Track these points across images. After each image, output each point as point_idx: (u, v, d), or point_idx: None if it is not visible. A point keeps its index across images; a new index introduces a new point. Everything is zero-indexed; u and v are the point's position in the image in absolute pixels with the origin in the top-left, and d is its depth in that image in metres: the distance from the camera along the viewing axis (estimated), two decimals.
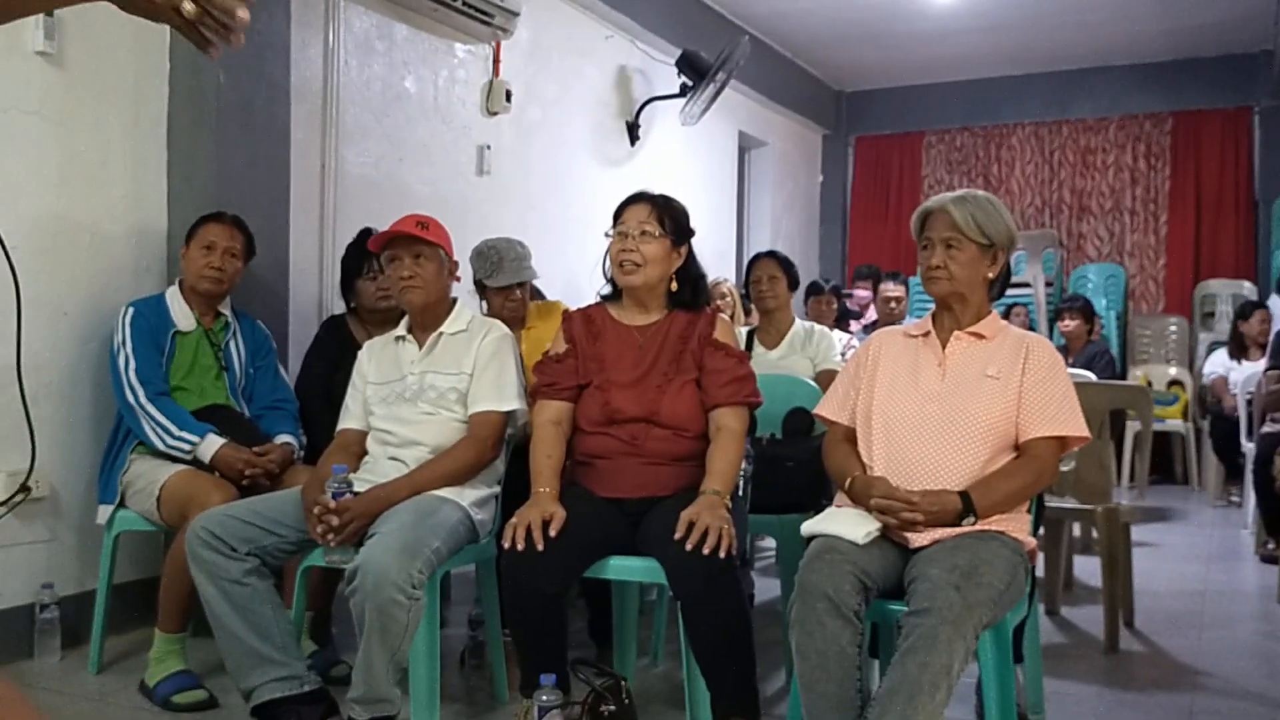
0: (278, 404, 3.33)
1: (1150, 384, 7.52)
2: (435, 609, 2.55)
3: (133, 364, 3.08)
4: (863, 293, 7.38)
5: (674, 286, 2.74)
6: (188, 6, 1.31)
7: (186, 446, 3.01)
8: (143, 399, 3.04)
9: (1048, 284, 7.84)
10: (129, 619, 3.36)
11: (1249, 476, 5.32)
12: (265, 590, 2.63)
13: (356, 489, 2.62)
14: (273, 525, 2.65)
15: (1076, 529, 4.78)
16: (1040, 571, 3.36)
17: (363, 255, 3.47)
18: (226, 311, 3.32)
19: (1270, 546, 4.85)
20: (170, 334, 3.18)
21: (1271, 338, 5.12)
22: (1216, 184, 8.39)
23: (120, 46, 3.49)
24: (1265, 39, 7.47)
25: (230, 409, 3.22)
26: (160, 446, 3.03)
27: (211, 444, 3.02)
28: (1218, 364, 6.69)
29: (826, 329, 4.29)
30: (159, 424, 3.03)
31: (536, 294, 3.97)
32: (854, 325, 6.90)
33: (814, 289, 5.82)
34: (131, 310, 3.16)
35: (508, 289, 3.52)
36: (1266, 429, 4.88)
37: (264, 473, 3.05)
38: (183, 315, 3.22)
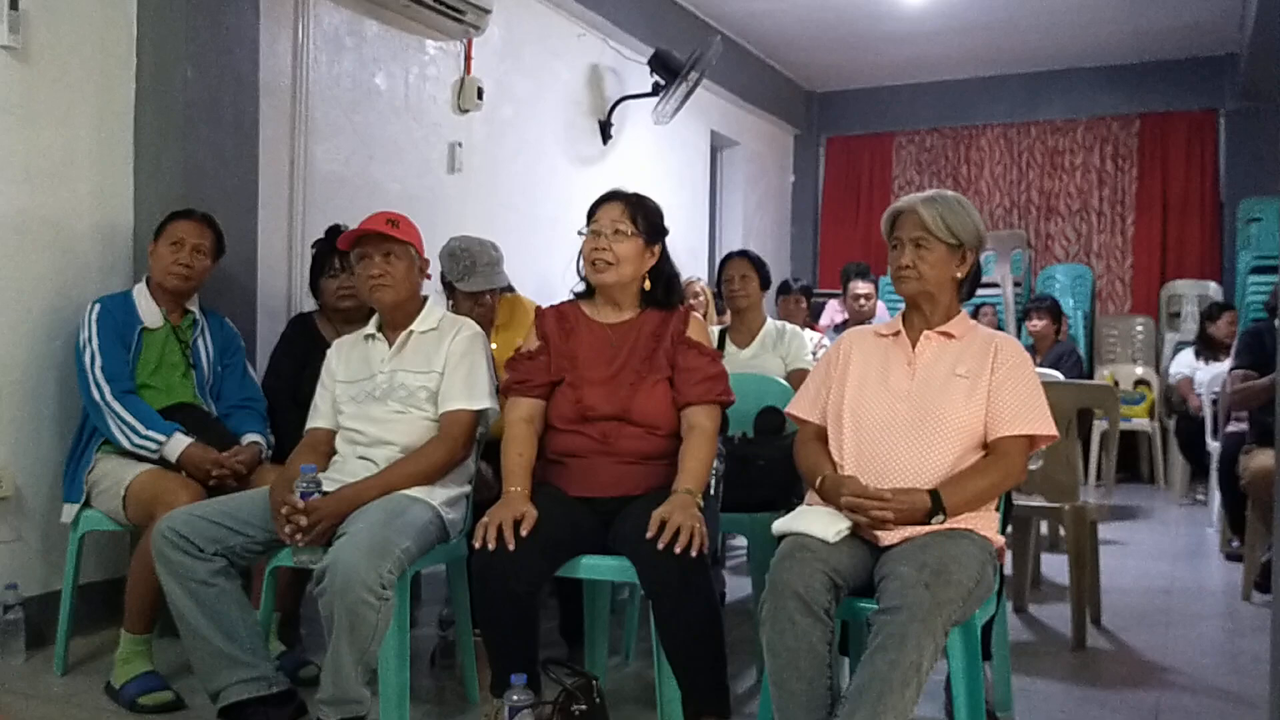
0: (246, 403, 3.30)
1: (1117, 383, 7.60)
2: (405, 609, 2.54)
3: (99, 361, 3.04)
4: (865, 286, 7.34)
5: (647, 285, 2.74)
6: None
7: (153, 445, 2.98)
8: (109, 397, 3.01)
9: (1016, 284, 7.91)
10: (95, 620, 3.32)
11: (1214, 475, 5.39)
12: (232, 591, 2.61)
13: (325, 489, 2.61)
14: (240, 525, 2.62)
15: (1044, 527, 4.82)
16: (1008, 569, 3.39)
17: (327, 253, 3.45)
18: (194, 309, 3.29)
19: (1235, 544, 4.90)
20: (137, 331, 3.14)
21: (1237, 338, 5.18)
22: (1183, 186, 8.48)
23: (87, 41, 3.45)
24: (1231, 43, 7.56)
25: (197, 407, 3.19)
26: (126, 445, 2.99)
27: (178, 443, 2.99)
28: (1184, 364, 6.76)
29: (798, 328, 4.31)
30: (125, 422, 2.99)
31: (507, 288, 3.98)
32: (824, 319, 6.92)
33: (783, 288, 5.83)
34: (98, 307, 3.12)
35: (478, 294, 3.48)
36: (1231, 428, 4.93)
37: (231, 473, 3.02)
38: (150, 312, 3.18)
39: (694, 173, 7.64)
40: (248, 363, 3.42)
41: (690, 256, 7.27)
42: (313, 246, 3.61)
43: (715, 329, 4.23)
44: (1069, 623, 3.58)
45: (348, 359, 2.91)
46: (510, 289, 3.92)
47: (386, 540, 2.44)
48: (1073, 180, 8.81)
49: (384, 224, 2.79)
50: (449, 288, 3.55)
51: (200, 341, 3.27)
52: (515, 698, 2.34)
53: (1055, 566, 4.47)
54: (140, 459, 3.00)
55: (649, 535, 2.34)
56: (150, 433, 2.99)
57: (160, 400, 3.12)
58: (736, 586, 4.11)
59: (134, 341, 3.13)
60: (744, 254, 4.34)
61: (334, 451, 2.84)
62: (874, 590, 2.19)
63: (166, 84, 3.57)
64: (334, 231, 3.51)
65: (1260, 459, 4.01)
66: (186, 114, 3.58)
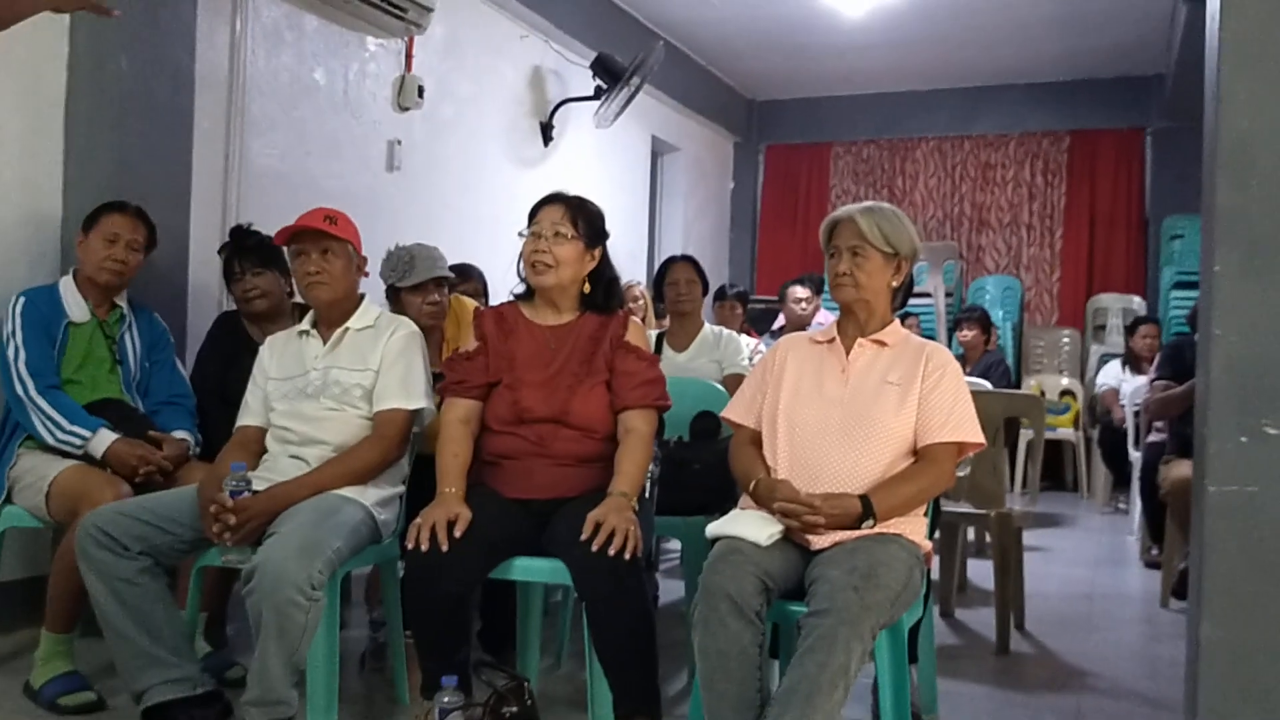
0: (174, 399, 3.24)
1: (1043, 393, 7.74)
2: (335, 610, 2.51)
3: (22, 355, 2.97)
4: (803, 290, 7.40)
5: (587, 288, 2.74)
6: None
7: (78, 441, 2.92)
8: (32, 391, 2.94)
9: (947, 295, 8.04)
10: (14, 619, 3.25)
11: (1135, 484, 5.52)
12: (158, 590, 2.57)
13: (255, 487, 2.57)
14: (167, 523, 2.58)
15: (971, 533, 4.90)
16: (935, 574, 3.45)
17: (231, 256, 3.42)
18: (123, 303, 3.23)
19: (1154, 552, 5.03)
20: (63, 325, 3.07)
21: (1160, 350, 5.32)
22: (1109, 202, 8.70)
23: (17, 28, 3.36)
24: (1159, 63, 7.77)
25: (124, 403, 3.13)
26: (50, 441, 2.93)
27: (104, 439, 2.93)
28: (1109, 376, 6.92)
29: (734, 333, 4.34)
30: (49, 417, 2.93)
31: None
32: (777, 325, 6.97)
33: (719, 294, 5.87)
34: (23, 300, 3.05)
35: (423, 287, 3.36)
36: (1152, 438, 5.06)
37: (158, 469, 2.97)
38: (76, 306, 3.12)
39: (634, 177, 7.66)
40: (177, 359, 3.37)
41: (630, 260, 7.28)
42: (220, 251, 3.56)
43: (652, 333, 4.24)
44: (993, 627, 3.65)
45: (281, 355, 2.87)
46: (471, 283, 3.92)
47: (317, 540, 2.41)
48: (1004, 194, 8.99)
49: (321, 220, 2.77)
50: (394, 295, 3.43)
51: (128, 337, 3.21)
52: (446, 699, 2.33)
53: (981, 572, 4.55)
54: (65, 455, 2.93)
55: (583, 537, 2.34)
56: (75, 428, 2.93)
57: (85, 396, 3.05)
58: (669, 589, 4.13)
59: (59, 336, 3.06)
60: (687, 259, 4.36)
61: (264, 450, 2.81)
62: (805, 593, 2.22)
63: (100, 74, 3.50)
64: (236, 233, 3.48)
65: (1179, 469, 4.12)
66: (119, 105, 3.52)
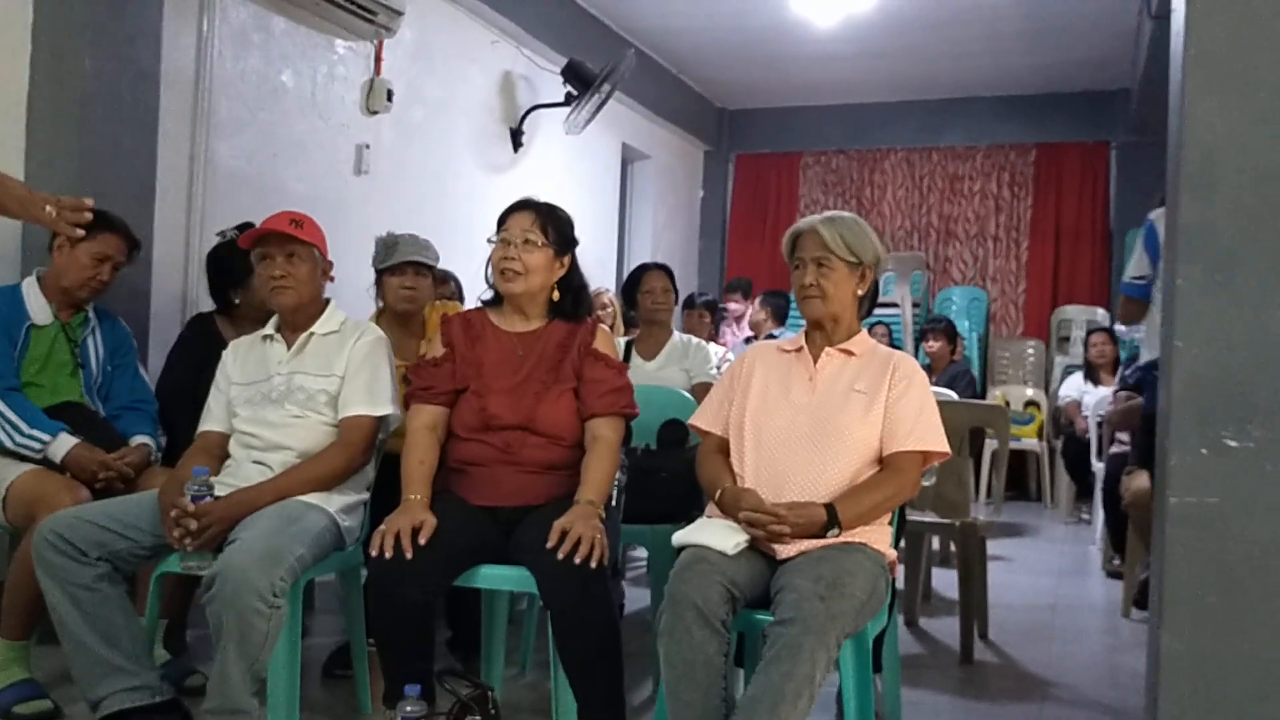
0: (136, 404, 3.20)
1: (1008, 404, 7.80)
2: (297, 618, 2.49)
3: None
4: (735, 305, 7.56)
5: (556, 296, 2.74)
6: (49, 210, 2.02)
7: (37, 445, 2.88)
8: None
9: (915, 305, 8.09)
10: None
11: (1098, 495, 5.57)
12: (116, 597, 2.53)
13: (217, 493, 2.54)
14: (126, 529, 2.55)
15: (936, 542, 4.93)
16: (900, 583, 3.46)
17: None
18: (87, 307, 3.19)
19: (1116, 562, 5.07)
20: (24, 327, 3.02)
21: (1123, 363, 5.37)
22: (1075, 214, 8.78)
23: None
24: (1124, 78, 7.86)
25: (84, 407, 3.09)
26: (8, 444, 2.88)
27: (63, 443, 2.89)
28: (1072, 388, 6.98)
29: (703, 342, 4.35)
30: (8, 420, 2.88)
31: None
32: (730, 337, 7.02)
33: (688, 303, 5.88)
34: None
35: (400, 270, 3.33)
36: (1115, 449, 5.11)
37: (119, 475, 2.93)
38: (39, 309, 3.07)
39: (604, 184, 7.66)
40: (140, 364, 3.32)
41: (599, 267, 7.28)
42: (222, 247, 3.49)
43: (621, 341, 4.24)
44: (958, 636, 3.66)
45: (244, 360, 2.84)
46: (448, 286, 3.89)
47: (280, 547, 2.39)
48: (971, 205, 9.06)
49: (287, 224, 2.74)
50: (379, 280, 3.41)
51: (90, 340, 3.16)
52: (409, 709, 2.30)
53: (945, 581, 4.58)
54: (23, 459, 2.89)
55: (549, 545, 2.34)
56: (34, 432, 2.88)
57: (45, 399, 3.01)
58: (635, 597, 4.12)
59: (20, 338, 3.01)
60: (661, 267, 4.37)
61: (227, 455, 2.78)
62: (770, 602, 2.22)
63: (63, 73, 3.46)
64: (247, 229, 3.42)
65: (1140, 480, 4.15)
66: (83, 105, 3.47)
